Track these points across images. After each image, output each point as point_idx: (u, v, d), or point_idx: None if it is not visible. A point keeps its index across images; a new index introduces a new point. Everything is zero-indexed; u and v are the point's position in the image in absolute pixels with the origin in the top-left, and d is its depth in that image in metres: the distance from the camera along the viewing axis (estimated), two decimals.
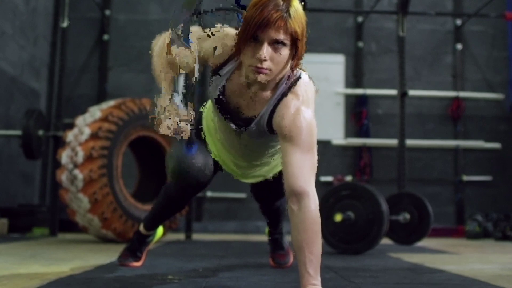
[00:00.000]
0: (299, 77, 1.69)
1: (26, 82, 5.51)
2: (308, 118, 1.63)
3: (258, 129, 1.75)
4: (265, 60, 1.56)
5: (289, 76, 1.68)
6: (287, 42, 1.56)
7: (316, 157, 1.63)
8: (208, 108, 2.09)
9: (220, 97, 1.77)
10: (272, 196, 2.31)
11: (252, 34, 1.55)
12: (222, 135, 1.96)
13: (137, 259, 2.33)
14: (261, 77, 1.59)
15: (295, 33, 1.56)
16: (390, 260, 2.98)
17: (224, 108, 1.79)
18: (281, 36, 1.54)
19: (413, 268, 2.48)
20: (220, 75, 1.75)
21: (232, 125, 1.80)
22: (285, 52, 1.58)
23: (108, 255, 2.87)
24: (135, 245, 2.34)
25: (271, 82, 1.66)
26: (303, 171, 1.58)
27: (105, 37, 6.16)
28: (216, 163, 2.11)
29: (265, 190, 2.25)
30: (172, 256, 2.87)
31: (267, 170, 2.12)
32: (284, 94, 1.67)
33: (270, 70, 1.59)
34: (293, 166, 1.58)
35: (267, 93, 1.70)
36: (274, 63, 1.58)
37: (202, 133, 2.10)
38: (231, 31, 1.73)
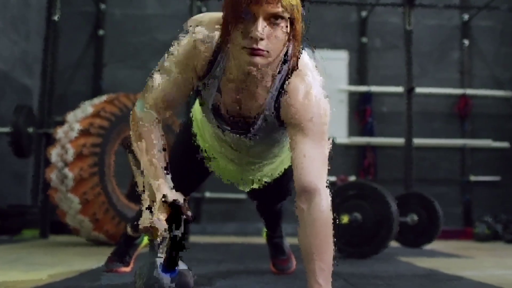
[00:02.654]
0: (300, 55, 1.45)
1: (18, 78, 5.31)
2: (320, 102, 1.42)
3: (266, 126, 1.52)
4: (262, 39, 1.31)
5: (290, 56, 1.43)
6: (286, 15, 1.31)
7: (328, 148, 1.41)
8: (198, 110, 1.85)
9: (216, 104, 1.53)
10: (273, 197, 2.08)
11: (243, 9, 1.29)
12: (223, 144, 1.74)
13: (126, 264, 2.11)
14: (258, 61, 1.32)
15: (293, 5, 1.32)
16: (401, 265, 2.76)
17: (222, 114, 1.55)
18: (279, 9, 1.29)
19: (428, 275, 2.27)
20: (213, 78, 1.49)
21: (234, 134, 1.58)
22: (284, 28, 1.33)
23: (97, 259, 2.65)
24: (123, 249, 2.13)
25: (270, 66, 1.41)
26: (314, 165, 1.36)
27: (100, 32, 5.94)
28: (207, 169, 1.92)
29: (265, 190, 2.00)
30: None
31: (273, 169, 1.89)
32: (288, 77, 1.45)
33: (267, 51, 1.33)
34: (303, 159, 1.36)
35: (267, 82, 1.46)
36: (272, 42, 1.32)
37: (195, 139, 1.87)
38: (205, 18, 1.48)
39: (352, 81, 6.11)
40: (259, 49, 1.32)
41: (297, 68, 1.44)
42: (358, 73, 6.13)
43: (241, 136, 1.58)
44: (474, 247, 4.44)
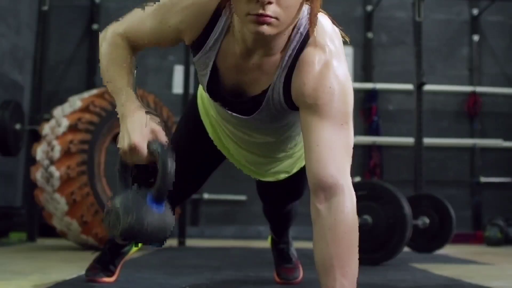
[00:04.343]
0: (318, 22, 1.21)
1: (7, 74, 5.06)
2: (341, 77, 1.17)
3: (274, 107, 1.28)
4: (270, 3, 1.08)
5: (303, 25, 1.20)
6: None
7: (352, 134, 1.17)
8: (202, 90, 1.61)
9: (211, 84, 1.31)
10: (285, 197, 1.82)
11: None
12: (228, 126, 1.49)
13: (109, 273, 1.85)
14: (265, 29, 1.10)
15: None
16: (417, 273, 2.51)
17: (221, 95, 1.32)
18: None
19: (451, 285, 2.02)
20: (206, 50, 1.27)
21: (237, 115, 1.35)
22: None
23: (83, 266, 2.37)
24: (107, 257, 1.87)
25: (279, 37, 1.18)
26: (334, 154, 1.11)
27: (95, 26, 5.70)
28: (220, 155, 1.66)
29: (277, 188, 1.75)
30: (156, 268, 2.39)
31: (290, 163, 1.64)
32: (302, 48, 1.20)
33: (277, 18, 1.10)
34: (321, 148, 1.12)
35: (276, 56, 1.22)
36: (282, 7, 1.10)
37: (200, 119, 1.62)
38: None
39: (357, 78, 5.87)
40: (267, 16, 1.08)
41: (313, 36, 1.19)
42: (364, 70, 5.90)
43: (243, 117, 1.34)
44: (489, 252, 4.18)
